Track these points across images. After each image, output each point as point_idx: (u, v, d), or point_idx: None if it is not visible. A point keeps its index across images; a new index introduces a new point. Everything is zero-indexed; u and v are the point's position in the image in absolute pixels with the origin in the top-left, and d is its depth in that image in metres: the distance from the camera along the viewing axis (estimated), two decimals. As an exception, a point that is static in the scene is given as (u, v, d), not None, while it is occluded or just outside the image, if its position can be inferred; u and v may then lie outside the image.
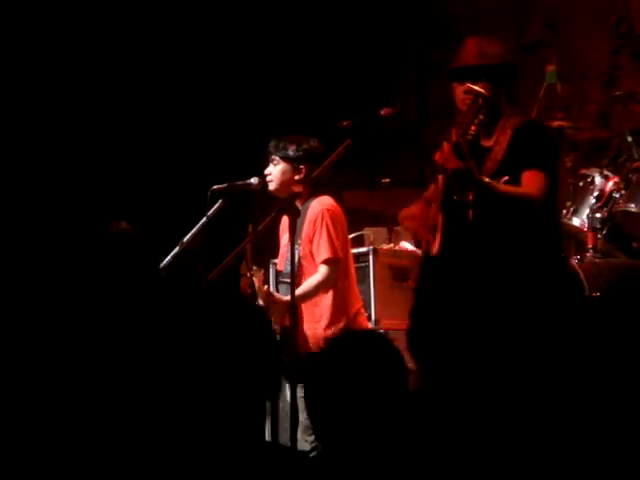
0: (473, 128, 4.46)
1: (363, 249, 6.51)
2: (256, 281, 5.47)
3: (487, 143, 4.67)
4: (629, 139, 6.17)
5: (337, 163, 4.88)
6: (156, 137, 7.85)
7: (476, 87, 4.52)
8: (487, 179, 4.47)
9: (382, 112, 4.80)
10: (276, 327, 5.62)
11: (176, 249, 5.93)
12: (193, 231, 5.78)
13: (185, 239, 5.84)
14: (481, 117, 4.48)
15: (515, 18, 7.88)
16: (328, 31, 8.45)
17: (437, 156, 4.39)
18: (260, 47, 8.26)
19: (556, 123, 6.26)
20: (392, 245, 6.80)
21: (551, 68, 6.69)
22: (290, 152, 5.66)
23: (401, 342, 6.14)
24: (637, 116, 6.44)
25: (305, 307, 5.59)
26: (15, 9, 7.45)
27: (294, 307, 4.94)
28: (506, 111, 4.66)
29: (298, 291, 5.45)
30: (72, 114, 7.57)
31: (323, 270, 5.58)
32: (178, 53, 8.00)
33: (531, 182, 4.53)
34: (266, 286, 5.63)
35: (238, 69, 8.23)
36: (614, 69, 7.44)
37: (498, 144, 4.63)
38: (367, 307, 6.31)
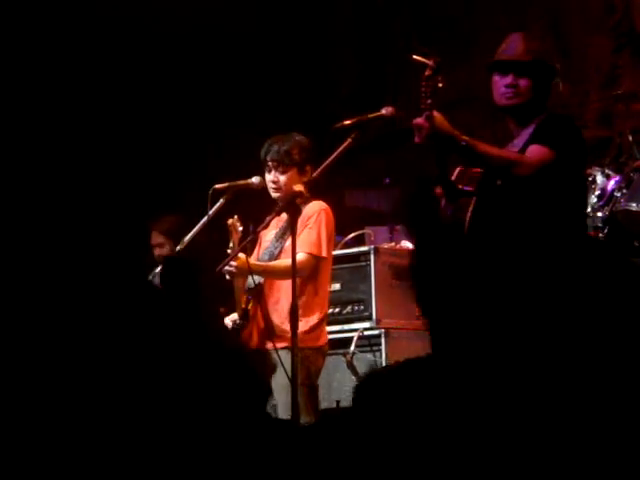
0: (429, 102, 4.27)
1: (364, 248, 6.49)
2: (235, 237, 5.28)
3: (516, 133, 4.57)
4: (630, 138, 6.17)
5: (338, 162, 4.85)
6: (157, 136, 7.86)
7: (420, 58, 4.31)
8: (465, 137, 4.26)
9: (384, 111, 4.76)
10: (236, 313, 5.43)
11: (177, 248, 5.94)
12: (194, 230, 5.78)
13: (186, 238, 5.84)
14: (439, 85, 4.24)
15: (516, 17, 7.87)
16: (328, 30, 8.45)
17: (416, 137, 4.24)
18: (262, 48, 8.27)
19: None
20: (393, 244, 6.80)
21: (552, 67, 6.67)
22: (296, 156, 5.45)
23: (401, 341, 6.25)
24: (638, 115, 6.44)
25: (282, 302, 5.29)
26: (16, 9, 7.46)
27: (295, 308, 4.80)
28: (547, 108, 4.54)
29: (267, 264, 5.34)
30: (74, 114, 7.58)
31: (300, 258, 5.16)
32: (181, 52, 8.01)
33: (530, 151, 4.37)
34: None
35: (238, 67, 8.24)
36: (615, 68, 7.44)
37: (519, 137, 4.52)
38: (368, 306, 6.30)
